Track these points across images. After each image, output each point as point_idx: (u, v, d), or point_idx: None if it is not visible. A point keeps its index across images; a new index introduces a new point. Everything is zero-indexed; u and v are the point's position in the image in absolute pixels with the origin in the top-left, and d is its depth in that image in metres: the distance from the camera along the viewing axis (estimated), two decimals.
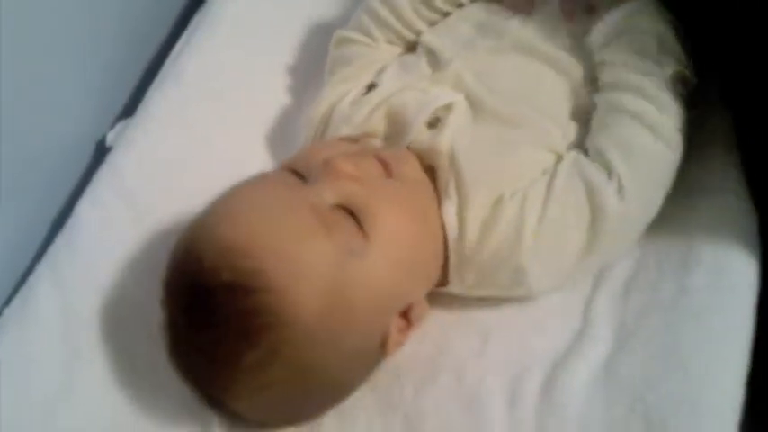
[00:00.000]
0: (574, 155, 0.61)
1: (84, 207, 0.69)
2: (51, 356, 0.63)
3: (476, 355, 0.61)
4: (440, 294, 0.63)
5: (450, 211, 0.61)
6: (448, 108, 0.64)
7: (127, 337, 0.65)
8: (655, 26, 0.62)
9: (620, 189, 0.58)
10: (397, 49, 0.73)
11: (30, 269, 0.67)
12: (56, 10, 0.69)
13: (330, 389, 0.59)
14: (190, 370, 0.58)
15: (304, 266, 0.55)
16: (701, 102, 0.63)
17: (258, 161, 0.73)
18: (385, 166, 0.61)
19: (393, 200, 0.59)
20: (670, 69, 0.60)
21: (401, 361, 0.61)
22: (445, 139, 0.62)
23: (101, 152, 0.74)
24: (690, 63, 0.62)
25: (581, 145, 0.62)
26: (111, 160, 0.72)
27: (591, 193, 0.59)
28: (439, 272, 0.62)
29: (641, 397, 0.55)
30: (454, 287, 0.62)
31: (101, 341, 0.64)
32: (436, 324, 0.63)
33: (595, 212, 0.59)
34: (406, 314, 0.60)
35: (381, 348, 0.59)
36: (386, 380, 0.61)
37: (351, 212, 0.57)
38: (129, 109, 0.77)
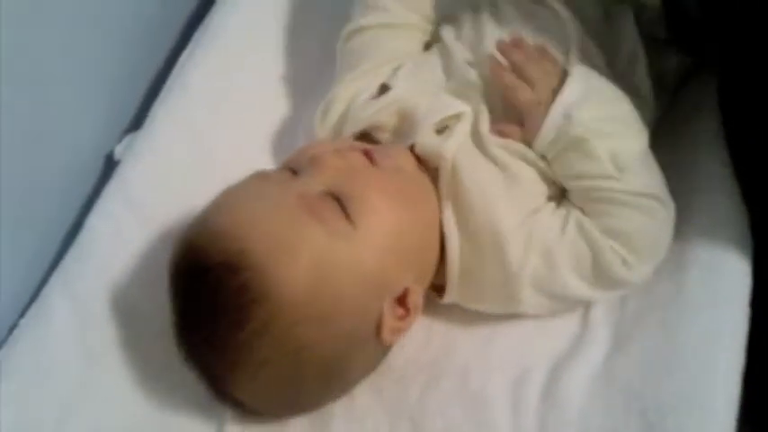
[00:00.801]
0: (578, 216, 0.61)
1: (94, 220, 0.71)
2: (66, 364, 0.65)
3: (479, 357, 0.63)
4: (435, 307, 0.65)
5: (450, 218, 0.63)
6: (457, 117, 0.65)
7: (139, 343, 0.67)
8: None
9: (624, 262, 0.60)
10: (413, 29, 0.72)
11: (44, 281, 0.69)
12: (62, 27, 0.70)
13: (326, 373, 0.60)
14: (193, 356, 0.61)
15: (288, 246, 0.58)
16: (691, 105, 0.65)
17: None
18: (369, 155, 0.63)
19: (380, 186, 0.61)
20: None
21: (406, 365, 0.63)
22: (451, 146, 0.63)
23: (109, 165, 0.76)
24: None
25: None
26: (120, 173, 0.73)
27: (596, 257, 0.60)
28: (435, 264, 0.63)
29: (640, 397, 0.57)
30: (451, 296, 0.64)
31: (114, 348, 0.66)
32: (440, 327, 0.65)
33: (600, 272, 0.60)
34: (402, 301, 0.60)
35: (377, 334, 0.60)
36: (392, 384, 0.63)
37: (337, 199, 0.60)
38: (137, 122, 0.78)
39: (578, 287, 0.60)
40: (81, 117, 0.74)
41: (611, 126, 0.60)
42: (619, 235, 0.60)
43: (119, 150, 0.75)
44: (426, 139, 0.65)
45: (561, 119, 0.60)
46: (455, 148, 0.63)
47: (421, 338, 0.65)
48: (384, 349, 0.62)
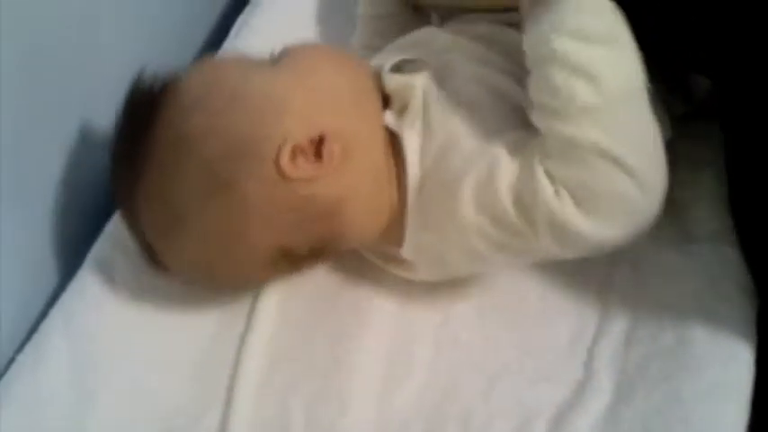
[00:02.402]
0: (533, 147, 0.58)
1: (96, 254, 0.71)
2: (63, 402, 0.64)
3: (481, 401, 0.62)
4: (443, 336, 0.65)
5: (413, 139, 0.62)
6: (413, 63, 0.66)
7: (138, 380, 0.66)
8: None
9: (563, 203, 0.56)
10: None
11: (42, 315, 0.69)
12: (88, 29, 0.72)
13: (212, 179, 0.60)
14: (115, 181, 0.64)
15: (212, 77, 0.63)
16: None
17: None
18: None
19: (325, 51, 0.67)
20: None
21: (408, 408, 0.62)
22: (419, 77, 0.63)
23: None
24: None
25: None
26: None
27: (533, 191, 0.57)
28: (373, 146, 0.63)
29: None
30: (410, 238, 0.62)
31: (112, 386, 0.65)
32: (442, 367, 0.65)
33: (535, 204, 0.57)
34: (318, 147, 0.60)
35: (276, 167, 0.59)
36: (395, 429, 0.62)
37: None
38: None
39: (509, 209, 0.58)
40: (93, 149, 0.73)
41: (591, 50, 0.56)
42: (557, 181, 0.56)
43: None
44: (391, 81, 0.65)
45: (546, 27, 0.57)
46: (423, 80, 0.63)
47: (423, 376, 0.64)
48: (287, 191, 0.60)
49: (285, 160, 0.59)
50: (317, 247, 0.63)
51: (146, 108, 0.62)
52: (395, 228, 0.64)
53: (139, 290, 0.70)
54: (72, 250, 0.73)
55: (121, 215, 0.66)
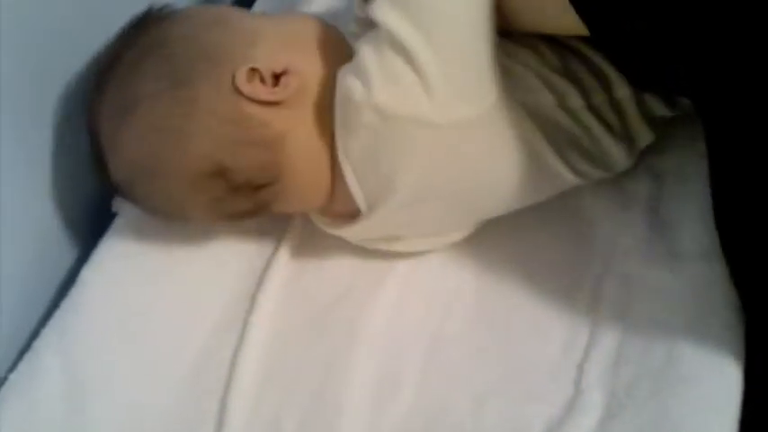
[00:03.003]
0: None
1: (88, 272, 0.71)
2: (57, 421, 0.64)
3: (473, 421, 0.62)
4: (432, 354, 0.65)
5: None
6: None
7: (131, 397, 0.66)
8: None
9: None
10: None
11: (35, 334, 0.69)
12: (78, 30, 0.71)
13: (179, 95, 0.63)
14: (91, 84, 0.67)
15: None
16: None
17: None
18: None
19: (309, 18, 0.69)
20: None
21: (399, 430, 0.62)
22: None
23: (106, 218, 0.75)
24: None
25: None
26: (116, 226, 0.73)
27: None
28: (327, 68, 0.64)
29: None
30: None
31: (105, 404, 0.65)
32: (432, 386, 0.65)
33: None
34: (279, 80, 0.63)
35: (232, 78, 0.62)
36: None
37: None
38: None
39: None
40: (78, 168, 0.74)
41: None
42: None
43: (116, 203, 0.75)
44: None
45: None
46: None
47: (412, 394, 0.64)
48: (233, 103, 0.63)
49: (241, 74, 0.63)
50: (253, 179, 0.65)
51: (141, 23, 0.67)
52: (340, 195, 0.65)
53: (131, 306, 0.70)
54: (65, 267, 0.74)
55: (85, 111, 0.67)
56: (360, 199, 0.64)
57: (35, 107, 0.69)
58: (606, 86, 0.66)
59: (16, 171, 0.67)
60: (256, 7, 0.88)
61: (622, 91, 0.66)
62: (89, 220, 0.74)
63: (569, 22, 0.53)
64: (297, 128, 0.64)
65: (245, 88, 0.63)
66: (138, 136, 0.64)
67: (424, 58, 0.57)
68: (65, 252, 0.74)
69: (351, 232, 0.68)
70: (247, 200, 0.66)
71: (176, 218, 0.70)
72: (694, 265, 0.65)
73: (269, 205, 0.67)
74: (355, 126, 0.61)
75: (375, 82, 0.59)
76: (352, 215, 0.66)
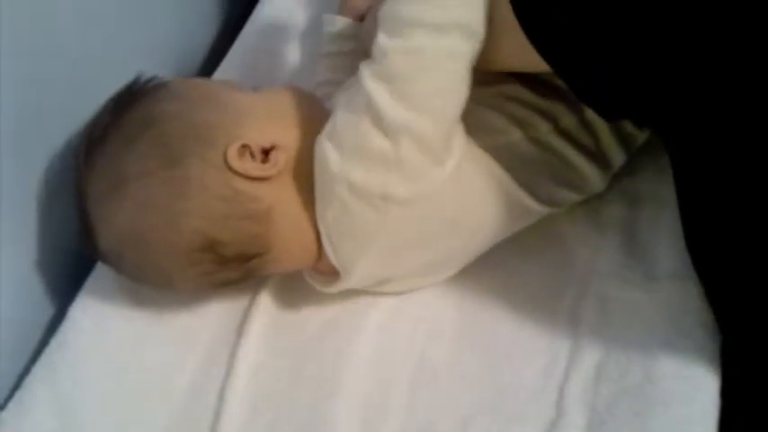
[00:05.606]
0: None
1: (77, 309, 0.72)
2: None
3: None
4: (419, 377, 0.66)
5: None
6: None
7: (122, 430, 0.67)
8: None
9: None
10: None
11: (26, 371, 0.69)
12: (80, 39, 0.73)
13: (171, 174, 0.63)
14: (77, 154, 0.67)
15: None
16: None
17: None
18: None
19: (294, 91, 0.71)
20: None
21: None
22: None
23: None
24: None
25: None
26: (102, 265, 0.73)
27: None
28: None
29: None
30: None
31: None
32: (416, 412, 0.66)
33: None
34: (268, 155, 0.65)
35: (223, 156, 0.64)
36: None
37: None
38: None
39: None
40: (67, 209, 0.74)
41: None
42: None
43: None
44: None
45: None
46: None
47: (399, 418, 0.65)
48: (225, 180, 0.64)
49: (233, 152, 0.64)
50: (243, 252, 0.66)
51: (128, 97, 0.68)
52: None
53: (121, 340, 0.71)
54: (56, 303, 0.74)
55: (73, 183, 0.67)
56: (335, 261, 0.66)
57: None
58: (576, 108, 0.68)
59: (4, 207, 0.68)
60: (225, 63, 0.91)
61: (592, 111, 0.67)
62: (76, 256, 0.75)
63: (533, 60, 0.55)
64: (284, 200, 0.66)
65: (237, 165, 0.64)
66: (129, 211, 0.64)
67: (404, 134, 0.59)
68: (53, 291, 0.74)
69: (338, 289, 0.69)
70: (237, 270, 0.67)
71: (164, 288, 0.70)
72: (670, 287, 0.66)
73: (258, 272, 0.69)
74: (329, 196, 0.63)
75: (351, 156, 0.61)
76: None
